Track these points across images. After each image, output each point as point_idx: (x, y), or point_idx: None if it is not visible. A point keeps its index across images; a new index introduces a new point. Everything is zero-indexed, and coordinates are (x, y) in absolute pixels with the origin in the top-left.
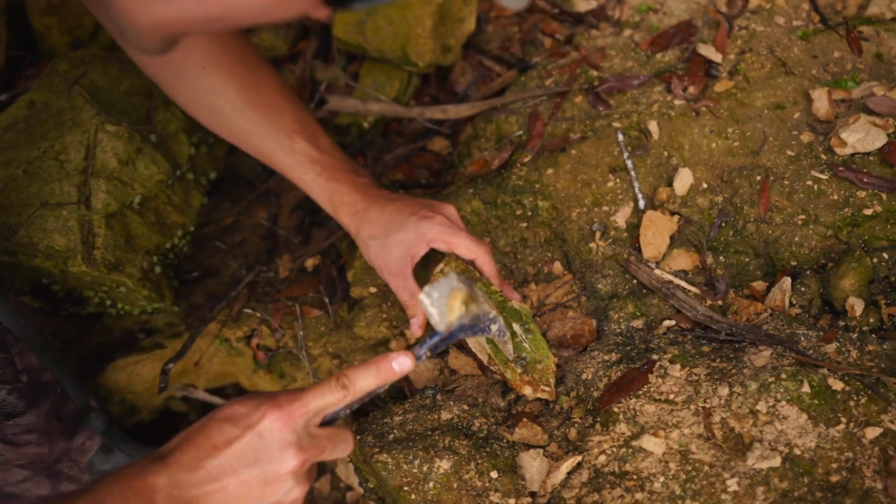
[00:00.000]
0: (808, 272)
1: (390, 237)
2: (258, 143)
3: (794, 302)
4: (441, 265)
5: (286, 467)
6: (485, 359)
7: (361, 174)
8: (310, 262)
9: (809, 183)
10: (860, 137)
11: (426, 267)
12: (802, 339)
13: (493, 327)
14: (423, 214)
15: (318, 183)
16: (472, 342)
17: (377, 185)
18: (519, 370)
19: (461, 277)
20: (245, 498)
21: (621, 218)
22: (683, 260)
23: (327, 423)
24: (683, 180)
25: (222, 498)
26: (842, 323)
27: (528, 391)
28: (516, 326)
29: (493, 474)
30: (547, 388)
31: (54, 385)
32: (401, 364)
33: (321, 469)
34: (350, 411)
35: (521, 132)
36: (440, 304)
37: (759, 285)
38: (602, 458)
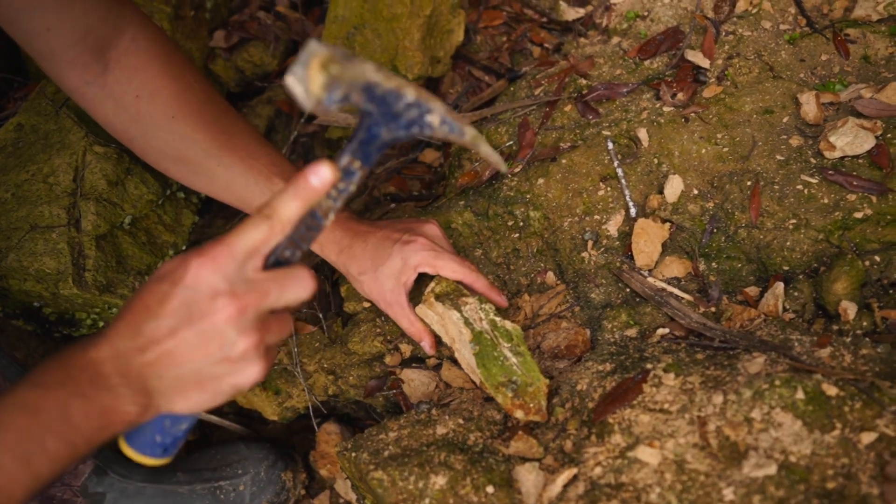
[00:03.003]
0: (800, 277)
1: (378, 270)
2: (237, 190)
3: (788, 307)
4: (432, 284)
5: (220, 316)
6: (477, 381)
7: (342, 209)
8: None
9: (800, 187)
10: (849, 140)
11: (418, 287)
12: (796, 344)
13: (431, 117)
14: (405, 240)
15: None
16: (464, 363)
17: (358, 218)
18: (510, 394)
19: (325, 43)
20: (191, 357)
21: (613, 226)
22: (676, 267)
23: (274, 266)
24: (674, 187)
25: (169, 361)
26: (835, 327)
27: (519, 414)
28: (506, 348)
29: (490, 489)
30: (539, 412)
31: None
32: (317, 176)
33: (320, 486)
34: (300, 252)
35: (511, 142)
36: (303, 78)
37: (752, 291)
38: (598, 470)
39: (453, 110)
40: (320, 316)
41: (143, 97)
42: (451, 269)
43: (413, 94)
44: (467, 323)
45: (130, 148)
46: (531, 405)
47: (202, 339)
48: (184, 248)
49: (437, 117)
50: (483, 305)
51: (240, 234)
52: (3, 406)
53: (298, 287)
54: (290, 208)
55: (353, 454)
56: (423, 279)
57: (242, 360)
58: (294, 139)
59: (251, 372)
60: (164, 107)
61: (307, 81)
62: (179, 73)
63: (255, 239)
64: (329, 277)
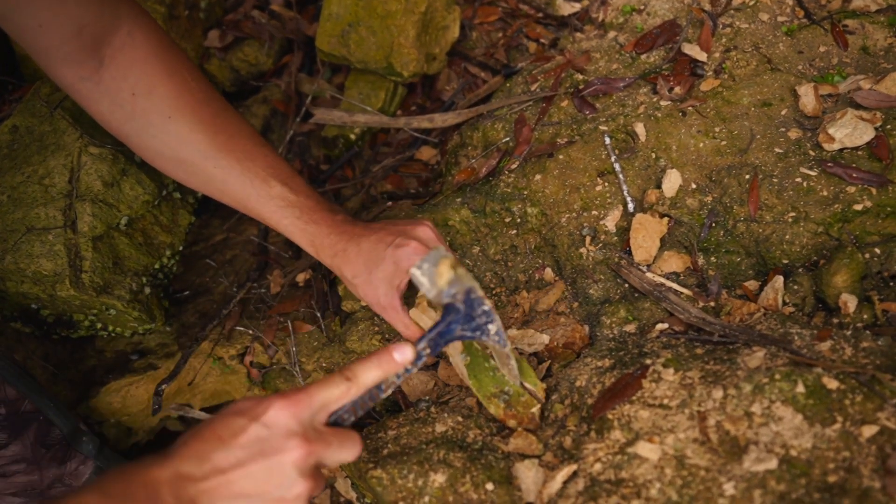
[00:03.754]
0: (800, 270)
1: (372, 273)
2: (233, 191)
3: (787, 300)
4: None
5: (290, 457)
6: (470, 390)
7: (337, 211)
8: (301, 277)
9: (798, 180)
10: (848, 132)
11: (413, 289)
12: (796, 338)
13: (491, 327)
14: (398, 244)
15: (297, 227)
16: (457, 370)
17: (353, 220)
18: (502, 405)
19: (448, 251)
20: (250, 491)
21: (611, 222)
22: (674, 262)
23: (333, 425)
24: (672, 182)
25: (227, 492)
26: (835, 320)
27: (513, 423)
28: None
29: (489, 486)
30: (532, 421)
31: (36, 413)
32: (401, 353)
33: None
34: (355, 417)
35: (507, 139)
36: (430, 273)
37: (751, 285)
38: (598, 466)
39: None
40: (318, 315)
41: (139, 95)
42: None
43: (489, 305)
44: None
45: (127, 145)
46: (524, 415)
47: (267, 474)
48: (180, 248)
49: (494, 328)
50: None
51: (321, 387)
52: None
53: (352, 449)
54: (370, 376)
55: None
56: (416, 289)
57: (294, 502)
58: (290, 138)
59: None
60: (160, 105)
61: (435, 276)
62: (176, 70)
63: (333, 395)
64: (326, 277)
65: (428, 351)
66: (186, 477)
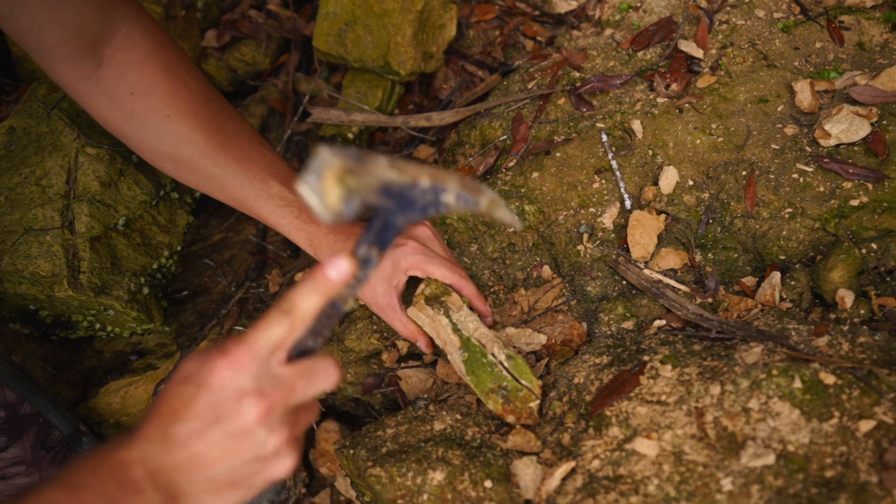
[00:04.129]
0: (797, 266)
1: None
2: (232, 190)
3: (785, 296)
4: (422, 286)
5: (248, 417)
6: (469, 386)
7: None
8: (299, 276)
9: (795, 176)
10: (844, 128)
11: (411, 287)
12: (793, 333)
13: (447, 197)
14: (396, 244)
15: (295, 226)
16: (455, 367)
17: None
18: (500, 400)
19: (335, 149)
20: (223, 458)
21: (608, 219)
22: (672, 258)
23: (298, 357)
24: (669, 178)
25: (199, 464)
26: (833, 315)
27: (511, 419)
28: (499, 353)
29: (488, 483)
30: (530, 416)
31: (35, 416)
32: (336, 269)
33: (320, 484)
34: (322, 339)
35: (505, 137)
36: (318, 190)
37: (748, 281)
38: (596, 463)
39: (468, 180)
40: None
41: (137, 94)
42: (440, 273)
43: (428, 180)
44: (456, 329)
45: (125, 143)
46: (522, 410)
47: (232, 441)
48: (178, 248)
49: (452, 195)
50: (474, 313)
51: (260, 331)
52: None
53: (324, 378)
54: (309, 303)
55: (352, 451)
56: (415, 280)
57: (275, 455)
58: (288, 137)
59: (284, 465)
60: (159, 105)
61: (323, 194)
62: (175, 70)
63: (276, 336)
64: None
65: (375, 251)
66: (154, 456)
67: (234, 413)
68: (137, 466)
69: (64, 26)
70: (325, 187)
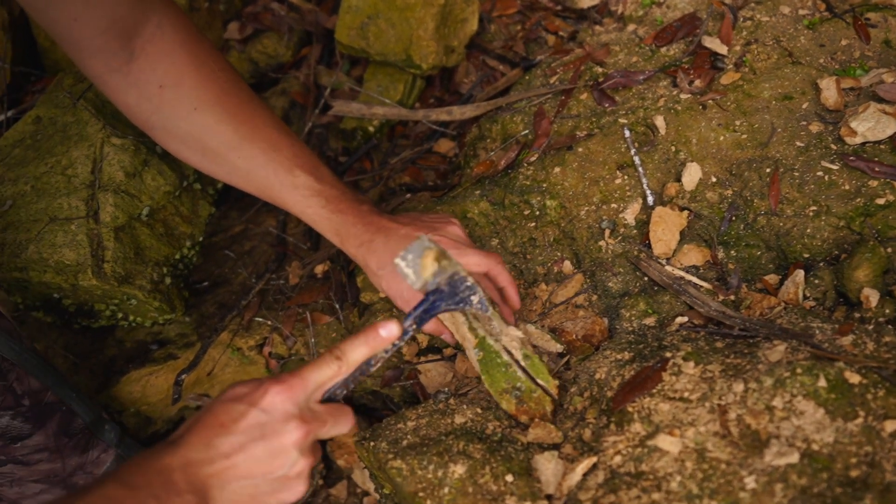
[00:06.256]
0: (821, 264)
1: None
2: (258, 181)
3: (808, 295)
4: None
5: (290, 438)
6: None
7: (363, 202)
8: (319, 269)
9: (820, 174)
10: (870, 126)
11: None
12: (817, 332)
13: (474, 298)
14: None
15: (322, 216)
16: (472, 363)
17: (379, 211)
18: (514, 401)
19: (432, 238)
20: (255, 472)
21: (630, 215)
22: (694, 255)
23: (326, 401)
24: (692, 175)
25: (234, 474)
26: (857, 315)
27: (524, 419)
28: (516, 352)
29: (509, 478)
30: (544, 417)
31: (59, 404)
32: (387, 330)
33: (338, 475)
34: (347, 391)
35: (526, 131)
36: (414, 264)
37: (771, 279)
38: (618, 459)
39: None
40: (336, 306)
41: (166, 87)
42: (475, 262)
43: (472, 281)
44: (471, 328)
45: (151, 136)
46: (536, 412)
47: (270, 457)
48: (200, 238)
49: (477, 298)
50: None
51: (313, 369)
52: (94, 498)
53: (345, 423)
54: (358, 354)
55: (372, 443)
56: None
57: (296, 478)
58: (309, 130)
59: (298, 490)
60: (186, 97)
61: (420, 268)
62: (203, 62)
63: (325, 375)
64: (345, 268)
65: (414, 327)
66: (195, 463)
67: (279, 432)
68: (179, 472)
69: (100, 19)
70: (423, 263)
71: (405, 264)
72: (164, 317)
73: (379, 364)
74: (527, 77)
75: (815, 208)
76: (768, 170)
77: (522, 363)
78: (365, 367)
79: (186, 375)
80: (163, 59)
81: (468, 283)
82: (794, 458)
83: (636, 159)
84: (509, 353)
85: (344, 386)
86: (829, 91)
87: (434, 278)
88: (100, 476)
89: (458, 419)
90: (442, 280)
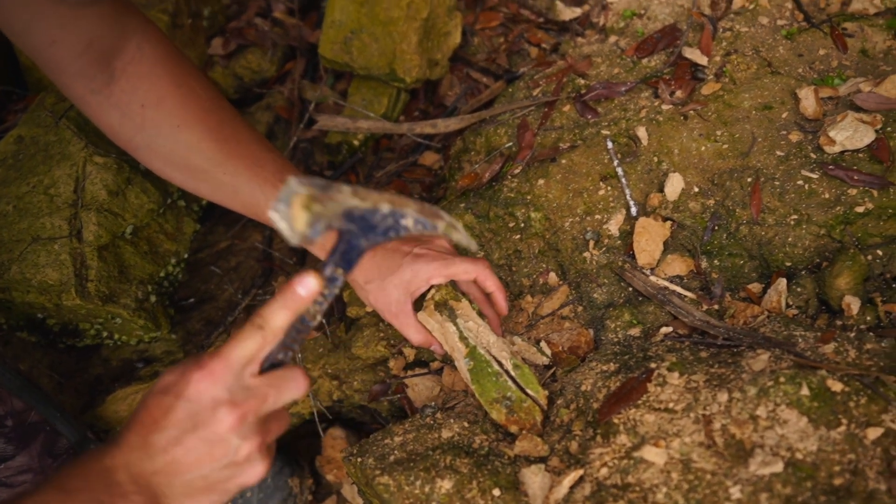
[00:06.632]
0: (803, 272)
1: (386, 280)
2: (243, 197)
3: (791, 303)
4: (432, 291)
5: (223, 426)
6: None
7: None
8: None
9: (800, 182)
10: (849, 135)
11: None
12: (800, 340)
13: (406, 221)
14: (416, 254)
15: None
16: (461, 374)
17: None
18: (504, 410)
19: (303, 180)
20: (199, 464)
21: (614, 226)
22: (678, 265)
23: (270, 369)
24: (674, 185)
25: (177, 469)
26: (839, 322)
27: (514, 429)
28: (506, 361)
29: (496, 492)
30: (534, 427)
31: (43, 424)
32: (304, 286)
33: (327, 491)
34: (293, 353)
35: (510, 144)
36: (287, 216)
37: (754, 287)
38: (604, 471)
39: (426, 205)
40: (323, 321)
41: (148, 106)
42: (464, 270)
43: (387, 206)
44: (462, 337)
45: (135, 156)
46: (526, 421)
47: (207, 448)
48: (185, 255)
49: (410, 220)
50: (483, 320)
51: (235, 345)
52: None
53: (294, 388)
54: (279, 318)
55: (359, 459)
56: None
57: (247, 462)
58: (294, 144)
59: (255, 471)
60: (169, 115)
61: (291, 220)
62: (184, 81)
63: (249, 349)
64: None
65: (341, 272)
66: (136, 462)
67: (209, 421)
68: (122, 471)
69: (77, 41)
70: (293, 213)
71: (279, 216)
72: (149, 335)
73: (318, 318)
74: (510, 89)
75: (795, 217)
76: (749, 179)
77: (512, 373)
78: (301, 326)
79: None
80: (144, 79)
81: (383, 211)
82: (779, 467)
83: (619, 170)
84: (499, 362)
85: (283, 349)
86: (808, 100)
87: (312, 228)
88: (37, 481)
89: (446, 433)
90: (335, 223)
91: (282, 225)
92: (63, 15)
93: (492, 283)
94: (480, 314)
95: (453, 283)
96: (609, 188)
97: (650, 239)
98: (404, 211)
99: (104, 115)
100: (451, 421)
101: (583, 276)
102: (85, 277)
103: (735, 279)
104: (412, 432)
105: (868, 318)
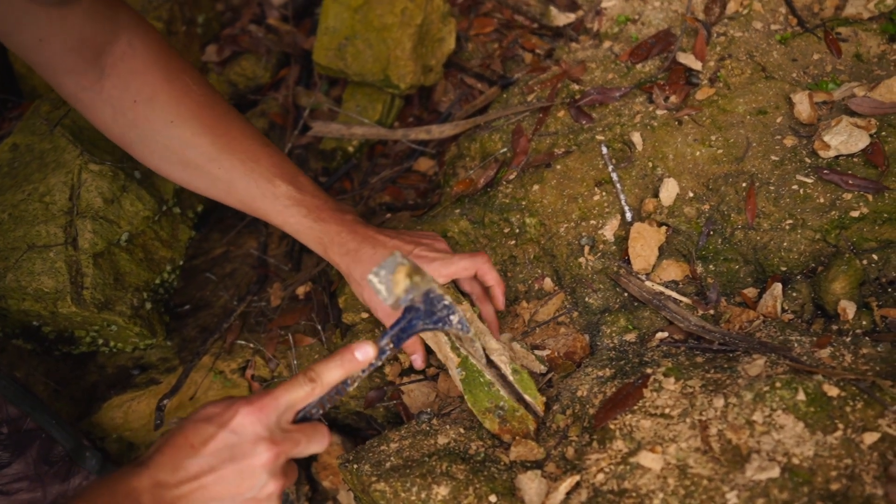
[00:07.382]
0: (798, 277)
1: None
2: (238, 192)
3: (786, 308)
4: None
5: (259, 460)
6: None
7: (346, 211)
8: (301, 290)
9: (795, 187)
10: (843, 139)
11: None
12: (796, 345)
13: (453, 318)
14: (417, 254)
15: (304, 224)
16: (454, 382)
17: (364, 222)
18: (497, 420)
19: (406, 256)
20: (223, 494)
21: (609, 231)
22: (673, 270)
23: (301, 420)
24: (669, 190)
25: (202, 495)
26: (835, 327)
27: (507, 438)
28: (505, 367)
29: (492, 498)
30: (527, 436)
31: (38, 431)
32: (363, 353)
33: (323, 497)
34: (323, 410)
35: (505, 149)
36: (387, 280)
37: (750, 292)
38: (600, 477)
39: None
40: (319, 328)
41: (140, 102)
42: (464, 267)
43: (449, 300)
44: (454, 348)
45: (130, 152)
46: (519, 430)
47: (238, 479)
48: (180, 262)
49: (456, 318)
50: (483, 324)
51: (285, 390)
52: None
53: (319, 441)
54: (333, 376)
55: (355, 466)
56: None
57: (266, 500)
58: (289, 151)
59: None
60: (162, 111)
61: (392, 284)
62: (177, 76)
63: (297, 396)
64: (327, 289)
65: (391, 346)
66: (163, 484)
67: (248, 454)
68: (147, 493)
69: (66, 39)
70: (395, 279)
71: (378, 280)
72: (145, 342)
73: (356, 383)
74: (504, 95)
75: (791, 222)
76: (744, 184)
77: (511, 378)
78: (341, 388)
79: (169, 400)
80: (135, 75)
81: (445, 302)
82: (775, 472)
83: (614, 176)
84: (497, 367)
85: (319, 405)
86: (803, 105)
87: (406, 294)
88: (66, 497)
89: (441, 440)
90: (416, 297)
91: (380, 287)
92: (49, 13)
93: (491, 277)
94: (481, 318)
95: (455, 284)
96: (604, 193)
97: (645, 244)
98: (456, 308)
99: (97, 112)
100: (447, 427)
101: (578, 282)
102: (80, 285)
103: (730, 284)
104: (408, 438)
105: (864, 322)
